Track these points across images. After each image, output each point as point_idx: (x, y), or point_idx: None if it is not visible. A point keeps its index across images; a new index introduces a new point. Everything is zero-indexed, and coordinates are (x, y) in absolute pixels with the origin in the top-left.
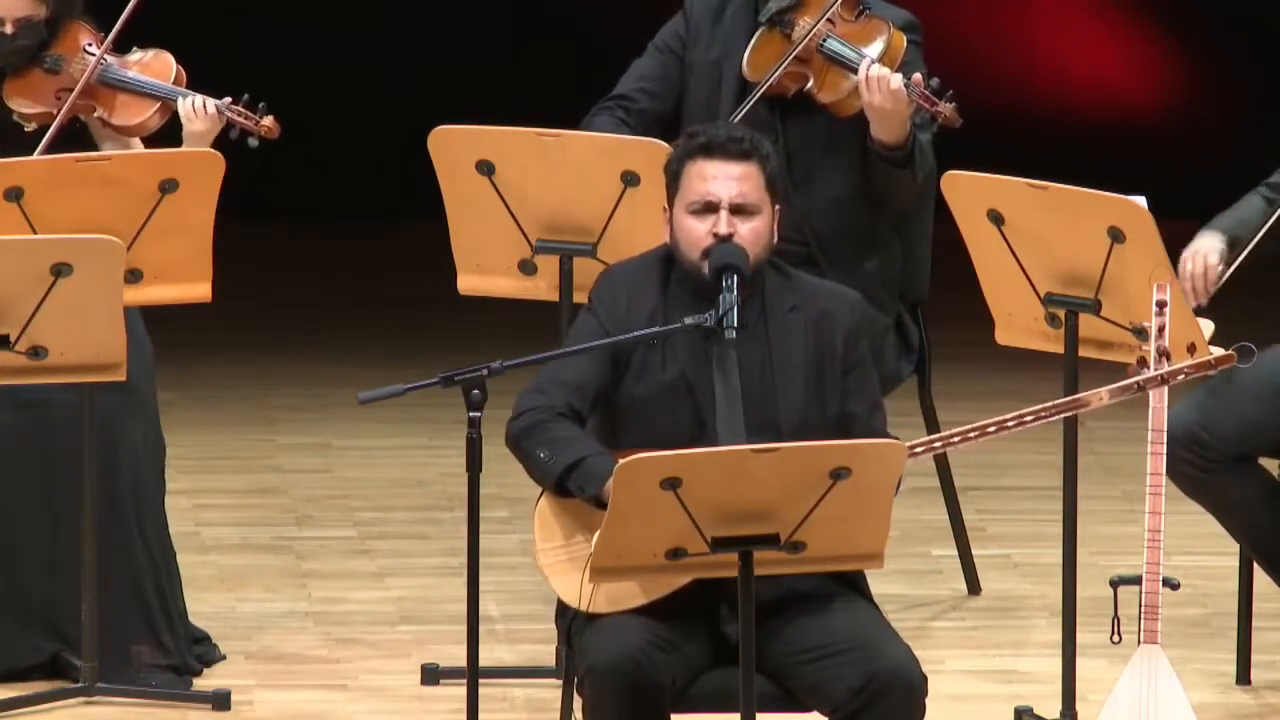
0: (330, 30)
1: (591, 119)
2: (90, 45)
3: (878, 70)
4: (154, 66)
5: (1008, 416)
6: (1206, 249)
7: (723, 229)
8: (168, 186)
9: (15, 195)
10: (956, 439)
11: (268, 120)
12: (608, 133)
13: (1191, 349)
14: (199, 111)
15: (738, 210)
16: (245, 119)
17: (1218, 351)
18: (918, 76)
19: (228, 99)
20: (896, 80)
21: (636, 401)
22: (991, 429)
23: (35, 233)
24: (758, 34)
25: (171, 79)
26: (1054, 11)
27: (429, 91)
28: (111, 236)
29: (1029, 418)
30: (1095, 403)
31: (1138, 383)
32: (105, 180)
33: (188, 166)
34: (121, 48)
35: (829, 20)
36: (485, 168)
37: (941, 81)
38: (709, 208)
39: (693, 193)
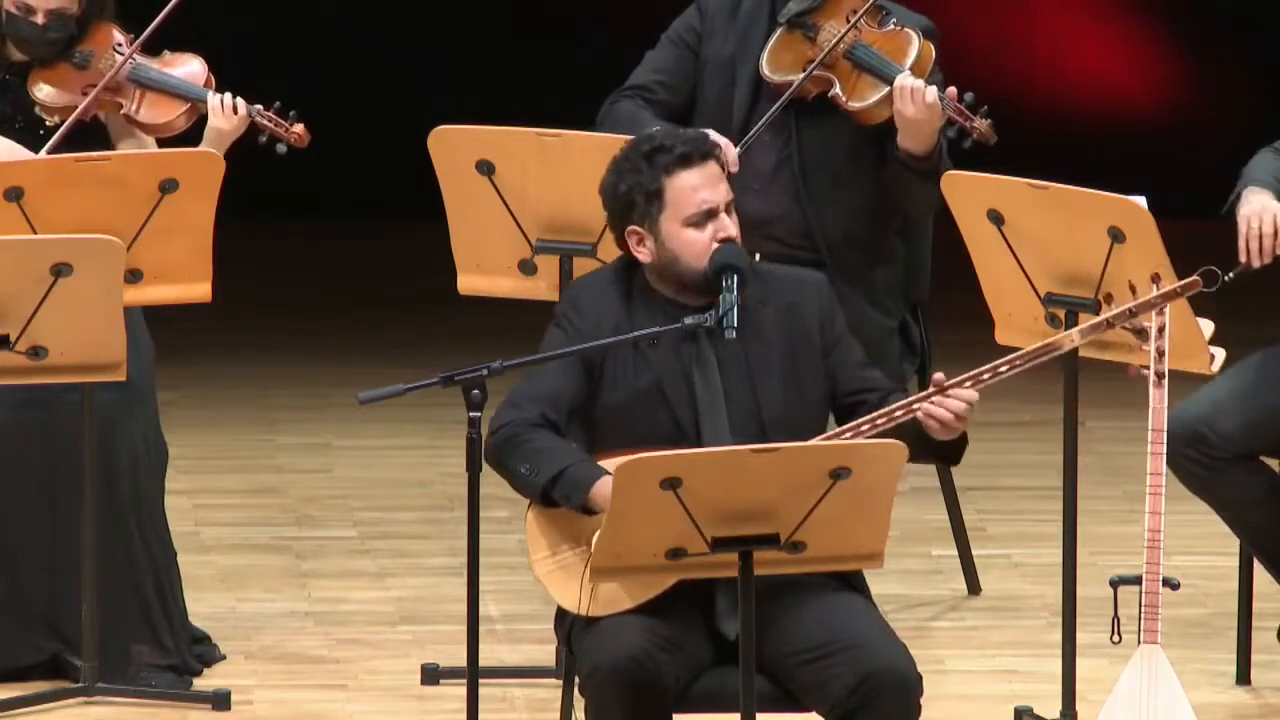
0: (327, 29)
1: (612, 106)
2: (121, 45)
3: (913, 82)
4: (185, 68)
5: (982, 369)
6: (1275, 208)
7: (732, 231)
8: (168, 186)
9: (15, 195)
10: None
11: (298, 128)
12: (634, 117)
13: (1155, 279)
14: (227, 109)
15: (728, 209)
16: (275, 125)
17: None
18: (953, 90)
19: (258, 106)
20: (932, 93)
21: (612, 410)
22: (968, 383)
23: (35, 233)
24: (777, 34)
25: (202, 82)
26: (1054, 12)
27: (429, 91)
28: (111, 236)
29: (1004, 368)
30: (1067, 344)
31: (1107, 319)
32: (105, 180)
33: (188, 166)
34: (153, 50)
35: (855, 27)
36: (485, 168)
37: (976, 96)
38: (709, 215)
39: (689, 206)
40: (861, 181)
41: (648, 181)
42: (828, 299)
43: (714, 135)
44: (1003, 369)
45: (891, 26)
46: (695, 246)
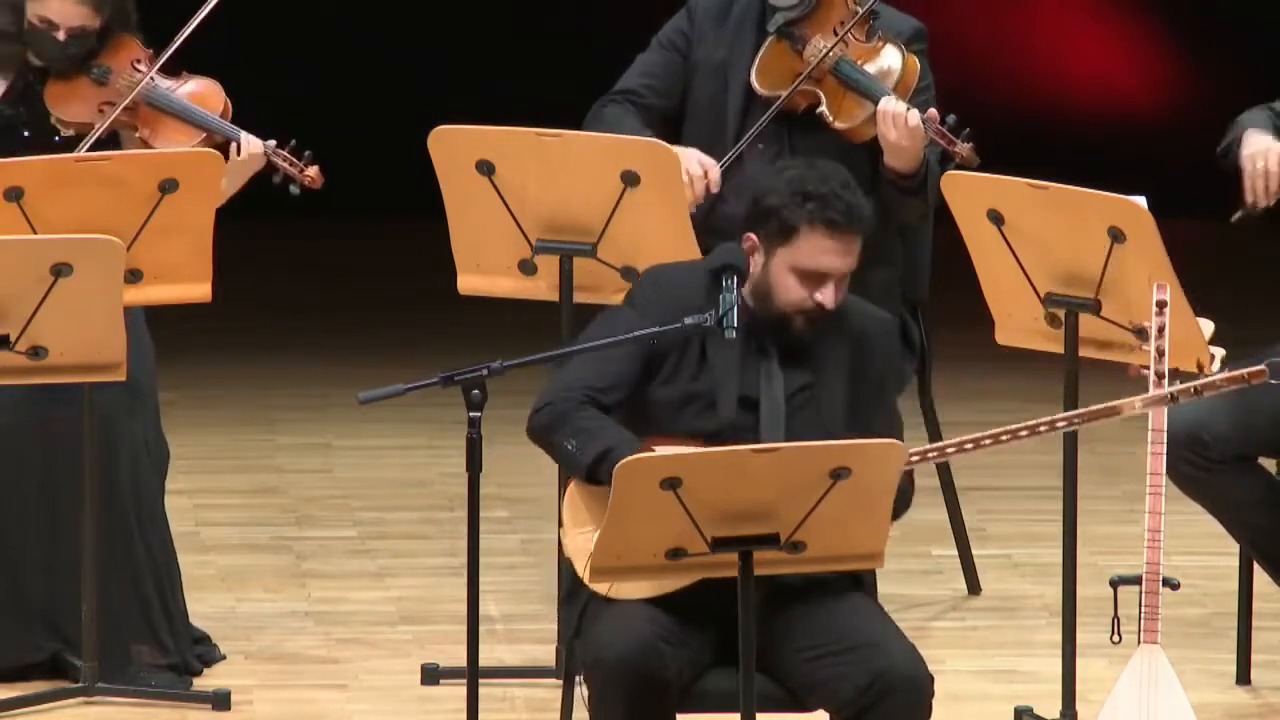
0: (327, 29)
1: (600, 110)
2: (140, 63)
3: (895, 107)
4: (202, 95)
5: (1040, 421)
6: (1271, 146)
7: (831, 302)
8: (168, 186)
9: (15, 195)
10: (970, 445)
11: (312, 170)
12: (619, 122)
13: (1216, 360)
14: (245, 149)
15: (840, 280)
16: (290, 165)
17: (1245, 369)
18: (933, 112)
19: (273, 142)
20: (915, 118)
21: (662, 403)
22: (1024, 433)
23: (35, 233)
24: (766, 44)
25: (220, 111)
26: (1054, 12)
27: (429, 91)
28: (111, 236)
29: (1061, 423)
30: (1128, 410)
31: (1172, 394)
32: (105, 180)
33: (188, 166)
34: (170, 71)
35: (843, 40)
36: (485, 168)
37: (959, 119)
38: (821, 278)
39: (809, 261)
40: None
41: (790, 216)
42: (895, 340)
43: (700, 159)
44: (1060, 424)
45: (878, 39)
46: (790, 293)
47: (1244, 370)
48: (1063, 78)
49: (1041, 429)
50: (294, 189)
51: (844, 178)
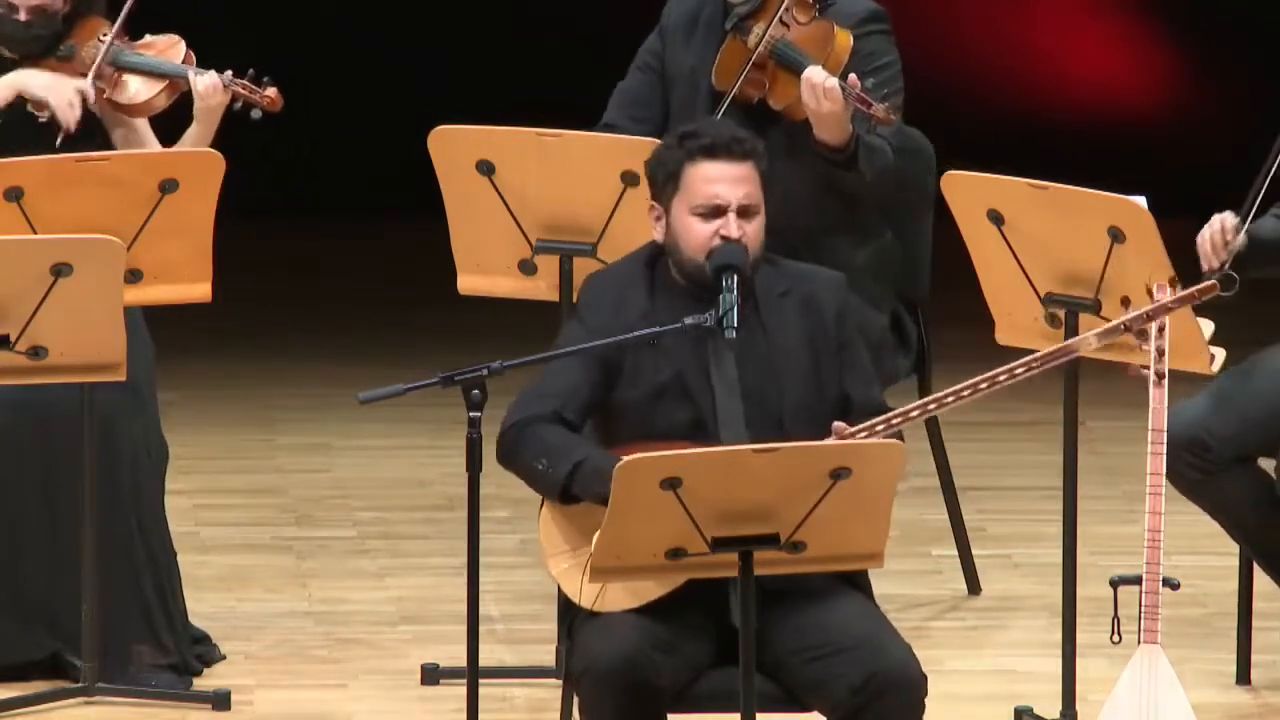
0: (327, 29)
1: None
2: (105, 34)
3: (815, 75)
4: (162, 47)
5: (998, 371)
6: (1223, 217)
7: (734, 232)
8: (168, 186)
9: (15, 195)
10: (950, 399)
11: (271, 91)
12: None
13: (1173, 282)
14: (207, 86)
15: (743, 212)
16: (249, 92)
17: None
18: (853, 78)
19: (229, 72)
20: (831, 82)
21: (631, 405)
22: (984, 385)
23: (35, 233)
24: (725, 42)
25: (180, 60)
26: (1054, 12)
27: (429, 91)
28: (111, 236)
29: (1019, 370)
30: (1084, 349)
31: (1123, 323)
32: (105, 180)
33: (188, 166)
34: (134, 36)
35: (783, 23)
36: (485, 168)
37: (877, 82)
38: (716, 211)
39: (698, 195)
40: (816, 174)
41: (671, 162)
42: (844, 295)
43: None
44: (1018, 371)
45: (818, 21)
46: (696, 238)
47: (1194, 288)
48: (1063, 78)
49: (1001, 379)
50: (255, 113)
51: (728, 125)
